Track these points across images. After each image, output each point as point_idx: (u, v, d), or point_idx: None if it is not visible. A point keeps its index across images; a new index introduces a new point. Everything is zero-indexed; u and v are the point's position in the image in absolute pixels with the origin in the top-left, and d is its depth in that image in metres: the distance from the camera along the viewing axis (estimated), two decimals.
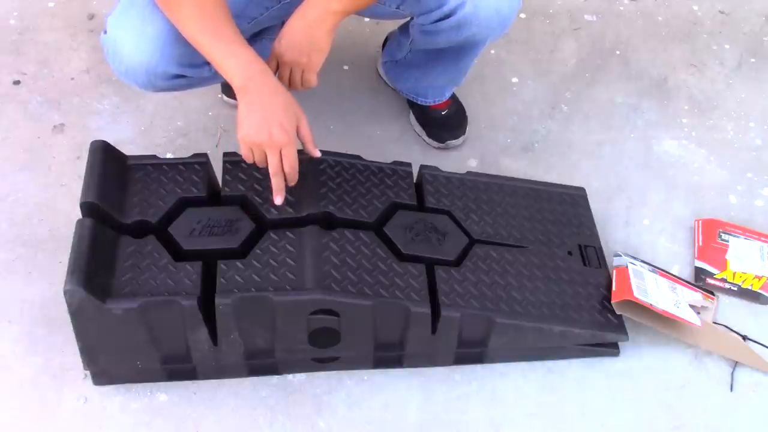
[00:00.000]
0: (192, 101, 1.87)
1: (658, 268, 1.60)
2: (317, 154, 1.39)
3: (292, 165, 1.34)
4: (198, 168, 1.46)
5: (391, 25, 1.86)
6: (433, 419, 1.40)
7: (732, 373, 1.48)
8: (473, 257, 1.44)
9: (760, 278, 1.61)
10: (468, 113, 1.87)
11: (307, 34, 1.34)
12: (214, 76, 1.37)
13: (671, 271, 1.62)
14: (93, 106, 1.88)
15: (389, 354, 1.42)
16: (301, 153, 1.38)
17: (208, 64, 1.35)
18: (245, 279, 1.31)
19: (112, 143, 1.46)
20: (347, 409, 1.41)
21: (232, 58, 1.29)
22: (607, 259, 1.56)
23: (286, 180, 1.36)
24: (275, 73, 1.39)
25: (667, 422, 1.42)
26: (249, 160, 1.35)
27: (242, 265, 1.33)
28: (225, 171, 1.45)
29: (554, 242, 1.53)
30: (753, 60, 2.12)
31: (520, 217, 1.55)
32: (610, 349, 1.48)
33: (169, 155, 1.76)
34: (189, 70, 1.40)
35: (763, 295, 1.59)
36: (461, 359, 1.45)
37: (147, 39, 1.35)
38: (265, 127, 1.29)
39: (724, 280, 1.61)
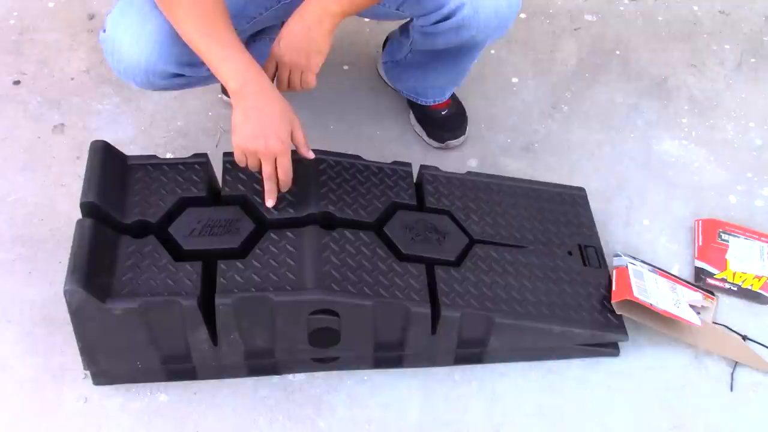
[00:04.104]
0: (192, 101, 1.88)
1: (658, 268, 1.60)
2: (311, 156, 1.39)
3: (286, 173, 1.35)
4: (198, 168, 1.46)
5: (392, 25, 1.86)
6: (433, 419, 1.40)
7: (732, 373, 1.48)
8: (473, 257, 1.45)
9: (760, 278, 1.61)
10: (468, 113, 1.87)
11: (305, 35, 1.35)
12: (213, 76, 1.37)
13: (671, 271, 1.62)
14: (93, 106, 1.88)
15: (389, 354, 1.42)
16: (296, 153, 1.38)
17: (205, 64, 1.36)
18: (245, 279, 1.31)
19: (112, 143, 1.46)
20: (347, 409, 1.41)
21: (229, 61, 1.29)
22: (607, 259, 1.56)
23: (279, 185, 1.37)
24: (274, 74, 1.40)
25: (667, 422, 1.42)
26: (242, 165, 1.35)
27: (242, 265, 1.33)
28: (225, 171, 1.45)
29: (554, 242, 1.53)
30: (753, 60, 2.12)
31: (520, 217, 1.55)
32: (610, 349, 1.48)
33: (169, 155, 1.76)
34: (187, 69, 1.41)
35: (763, 295, 1.59)
36: (461, 359, 1.45)
37: (145, 38, 1.35)
38: (261, 136, 1.30)
39: (724, 280, 1.61)
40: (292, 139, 1.34)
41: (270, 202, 1.38)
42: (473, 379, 1.45)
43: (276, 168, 1.34)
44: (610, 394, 1.45)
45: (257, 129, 1.30)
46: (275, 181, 1.36)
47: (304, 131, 1.36)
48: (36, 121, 1.84)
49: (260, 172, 1.36)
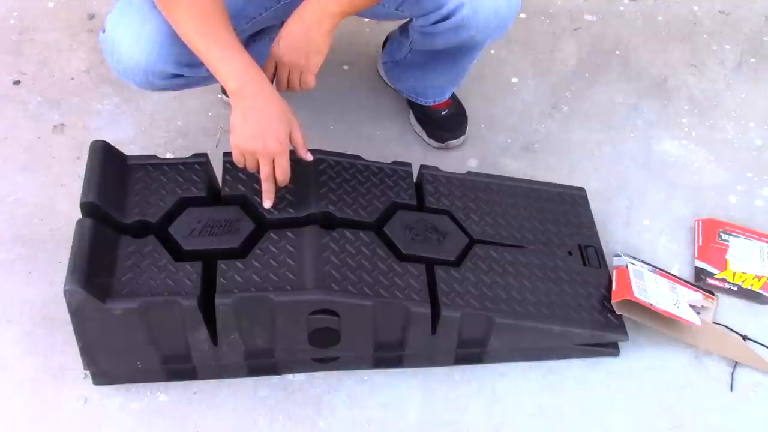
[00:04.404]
0: (192, 101, 1.88)
1: (658, 268, 1.60)
2: (309, 157, 1.39)
3: (283, 173, 1.35)
4: (198, 168, 1.46)
5: (391, 25, 1.86)
6: (433, 419, 1.40)
7: (732, 373, 1.48)
8: (473, 257, 1.45)
9: (760, 278, 1.61)
10: (468, 113, 1.87)
11: (305, 35, 1.35)
12: (212, 76, 1.37)
13: (671, 271, 1.62)
14: (93, 106, 1.88)
15: (389, 354, 1.42)
16: (295, 154, 1.38)
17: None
18: (245, 279, 1.31)
19: (112, 143, 1.46)
20: (347, 409, 1.41)
21: (228, 62, 1.29)
22: (607, 259, 1.56)
23: (277, 186, 1.37)
24: (274, 75, 1.40)
25: (667, 422, 1.42)
26: (240, 165, 1.36)
27: (242, 265, 1.33)
28: (225, 171, 1.45)
29: (554, 242, 1.53)
30: (753, 60, 2.12)
31: (520, 217, 1.55)
32: (610, 349, 1.48)
33: (169, 155, 1.76)
34: (186, 69, 1.41)
35: (763, 295, 1.59)
36: (461, 359, 1.45)
37: (145, 38, 1.35)
38: (260, 136, 1.30)
39: (724, 280, 1.61)
40: (291, 140, 1.34)
41: (267, 203, 1.39)
42: (473, 379, 1.45)
43: (274, 169, 1.34)
44: (610, 394, 1.45)
45: (256, 129, 1.30)
46: (273, 181, 1.36)
47: (302, 132, 1.36)
48: (36, 121, 1.84)
49: (259, 172, 1.36)
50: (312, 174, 1.46)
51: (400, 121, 1.89)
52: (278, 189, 1.39)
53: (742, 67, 2.10)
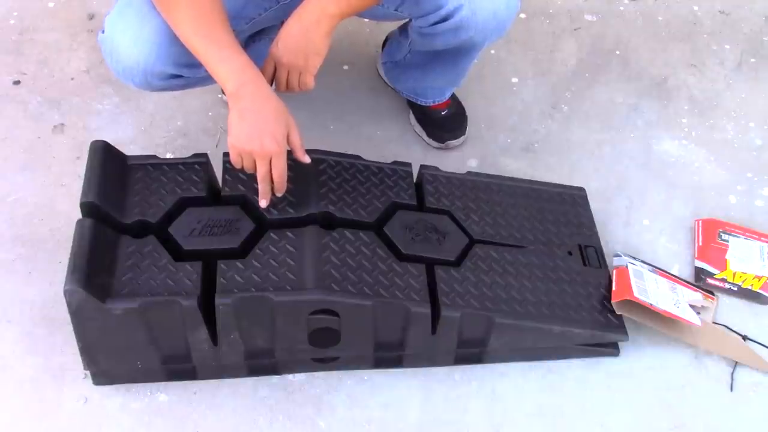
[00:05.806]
0: (192, 101, 1.88)
1: (658, 268, 1.60)
2: (307, 160, 1.39)
3: (280, 174, 1.34)
4: (198, 168, 1.46)
5: (391, 26, 1.86)
6: (433, 419, 1.40)
7: (732, 373, 1.48)
8: (473, 257, 1.45)
9: (760, 278, 1.61)
10: (468, 113, 1.87)
11: (304, 36, 1.34)
12: (211, 77, 1.37)
13: (671, 271, 1.62)
14: (93, 106, 1.88)
15: (389, 354, 1.42)
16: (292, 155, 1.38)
17: None
18: (245, 279, 1.31)
19: (112, 143, 1.46)
20: (347, 409, 1.41)
21: (226, 63, 1.29)
22: (607, 259, 1.56)
23: (273, 188, 1.37)
24: (273, 75, 1.40)
25: (667, 422, 1.42)
26: (237, 166, 1.35)
27: (242, 265, 1.33)
28: (225, 171, 1.45)
29: (554, 242, 1.53)
30: (753, 60, 2.12)
31: (520, 217, 1.55)
32: (610, 349, 1.48)
33: (169, 155, 1.76)
34: (185, 70, 1.41)
35: (763, 295, 1.59)
36: (461, 359, 1.45)
37: (144, 39, 1.35)
38: (257, 137, 1.30)
39: (724, 280, 1.61)
40: (288, 141, 1.34)
41: (263, 203, 1.38)
42: (473, 379, 1.45)
43: (271, 169, 1.34)
44: (610, 394, 1.45)
45: (253, 130, 1.30)
46: (270, 182, 1.35)
47: (300, 134, 1.36)
48: (36, 121, 1.84)
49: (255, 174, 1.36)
50: (312, 174, 1.46)
51: (400, 121, 1.89)
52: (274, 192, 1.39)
53: (742, 67, 2.10)
